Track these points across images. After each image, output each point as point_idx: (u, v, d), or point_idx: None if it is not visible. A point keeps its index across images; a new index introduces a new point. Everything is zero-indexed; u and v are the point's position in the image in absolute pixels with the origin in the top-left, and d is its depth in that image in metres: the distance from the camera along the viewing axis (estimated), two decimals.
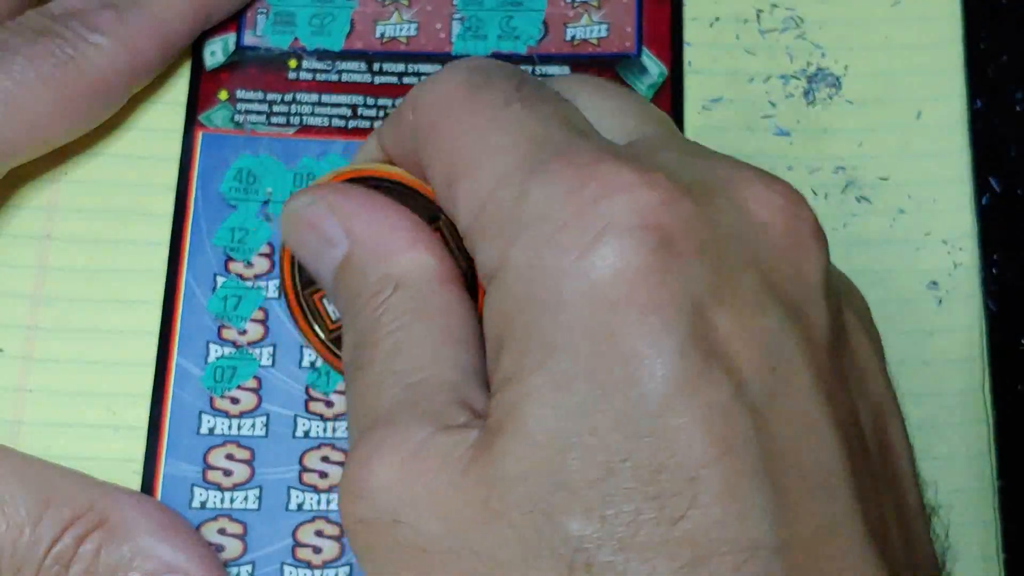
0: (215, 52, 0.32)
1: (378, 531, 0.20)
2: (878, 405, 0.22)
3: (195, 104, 0.32)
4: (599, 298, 0.19)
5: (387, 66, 0.32)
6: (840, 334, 0.21)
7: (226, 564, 0.28)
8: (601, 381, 0.19)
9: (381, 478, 0.20)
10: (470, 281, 0.24)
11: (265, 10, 0.33)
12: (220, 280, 0.30)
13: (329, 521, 0.28)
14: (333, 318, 0.27)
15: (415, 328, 0.22)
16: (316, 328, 0.27)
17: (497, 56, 0.32)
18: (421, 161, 0.23)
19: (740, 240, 0.20)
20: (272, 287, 0.30)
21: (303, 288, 0.27)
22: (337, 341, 0.27)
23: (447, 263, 0.23)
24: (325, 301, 0.27)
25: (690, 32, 0.32)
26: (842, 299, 0.22)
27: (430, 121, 0.23)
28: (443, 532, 0.19)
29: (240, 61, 0.32)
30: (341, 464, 0.29)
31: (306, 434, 0.29)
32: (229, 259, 0.30)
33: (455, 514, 0.19)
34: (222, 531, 0.28)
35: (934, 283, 0.30)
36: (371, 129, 0.31)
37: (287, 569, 0.28)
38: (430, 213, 0.24)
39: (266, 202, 0.31)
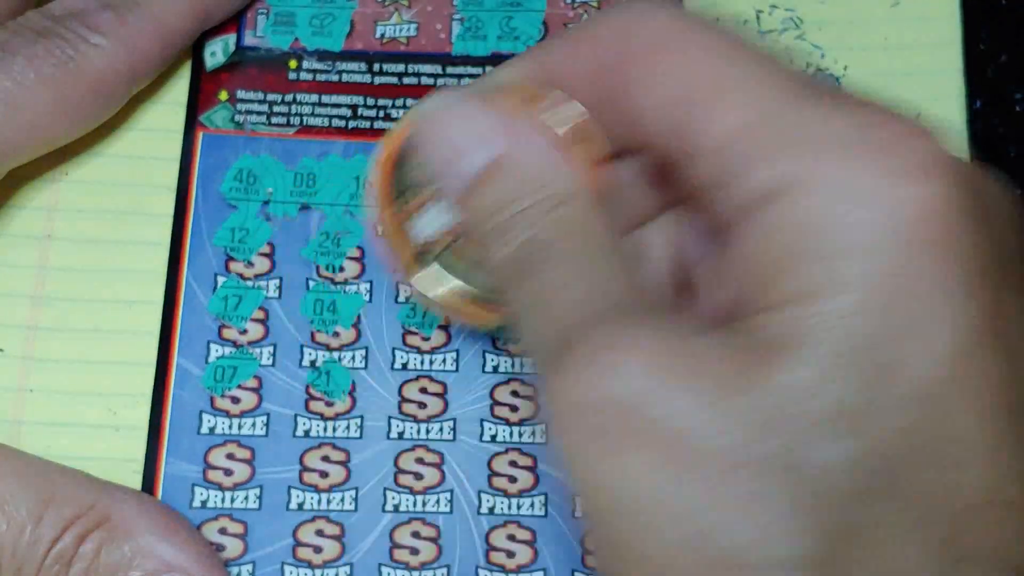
0: (215, 52, 0.32)
1: (624, 413, 0.19)
2: None
3: (195, 104, 0.32)
4: (909, 232, 0.19)
5: (387, 66, 0.32)
6: None
7: (227, 563, 0.28)
8: (897, 316, 0.18)
9: (633, 362, 0.19)
10: None
11: (265, 10, 0.33)
12: (220, 280, 0.30)
13: (329, 520, 0.29)
14: (416, 242, 0.26)
15: (594, 241, 0.22)
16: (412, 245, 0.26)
17: (497, 57, 0.32)
18: (633, 85, 0.22)
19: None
20: (272, 286, 0.30)
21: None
22: (421, 256, 0.26)
23: (600, 186, 0.23)
24: (409, 224, 0.26)
25: None
26: None
27: (651, 42, 0.22)
28: (700, 428, 0.19)
29: (240, 61, 0.32)
30: (340, 463, 0.29)
31: (306, 433, 0.29)
32: (229, 259, 0.30)
33: (717, 414, 0.19)
34: (223, 531, 0.28)
35: None
36: (371, 129, 0.31)
37: (287, 568, 0.28)
38: None
39: (266, 202, 0.31)
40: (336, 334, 0.30)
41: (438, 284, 0.26)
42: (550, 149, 0.23)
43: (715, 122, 0.21)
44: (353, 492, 0.29)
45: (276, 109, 0.32)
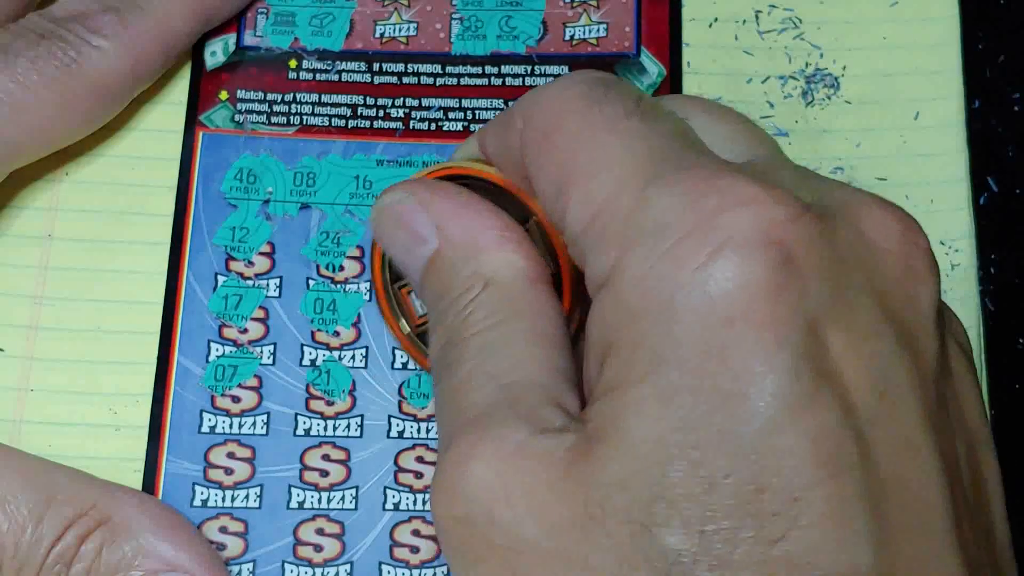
0: (215, 52, 0.32)
1: (472, 530, 0.20)
2: (974, 435, 0.21)
3: (196, 104, 0.32)
4: (714, 312, 0.19)
5: (387, 66, 0.32)
6: (945, 364, 0.21)
7: (227, 562, 0.28)
8: (709, 396, 0.18)
9: (478, 477, 0.20)
10: (557, 285, 0.24)
11: (265, 10, 0.33)
12: (221, 279, 0.30)
13: (330, 519, 0.29)
14: (419, 313, 0.27)
15: (506, 327, 0.22)
16: (402, 322, 0.27)
17: (496, 56, 0.32)
18: (529, 166, 0.23)
19: (857, 263, 0.20)
20: (272, 286, 0.30)
21: (392, 283, 0.27)
22: (423, 336, 0.27)
23: (537, 264, 0.23)
24: (412, 296, 0.27)
25: (689, 33, 0.32)
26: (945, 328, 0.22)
27: (543, 128, 0.22)
28: (538, 534, 0.19)
29: (240, 61, 0.32)
30: (340, 462, 0.29)
31: (306, 432, 0.29)
32: (230, 258, 0.30)
33: (552, 517, 0.19)
34: (223, 529, 0.28)
35: None
36: (371, 128, 0.32)
37: (288, 567, 0.28)
38: (522, 215, 0.24)
39: (266, 201, 0.31)
40: (336, 333, 0.30)
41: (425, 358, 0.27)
42: (481, 236, 0.23)
43: (572, 210, 0.21)
44: (353, 491, 0.29)
45: (276, 108, 0.32)
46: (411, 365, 0.30)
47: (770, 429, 0.18)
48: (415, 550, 0.28)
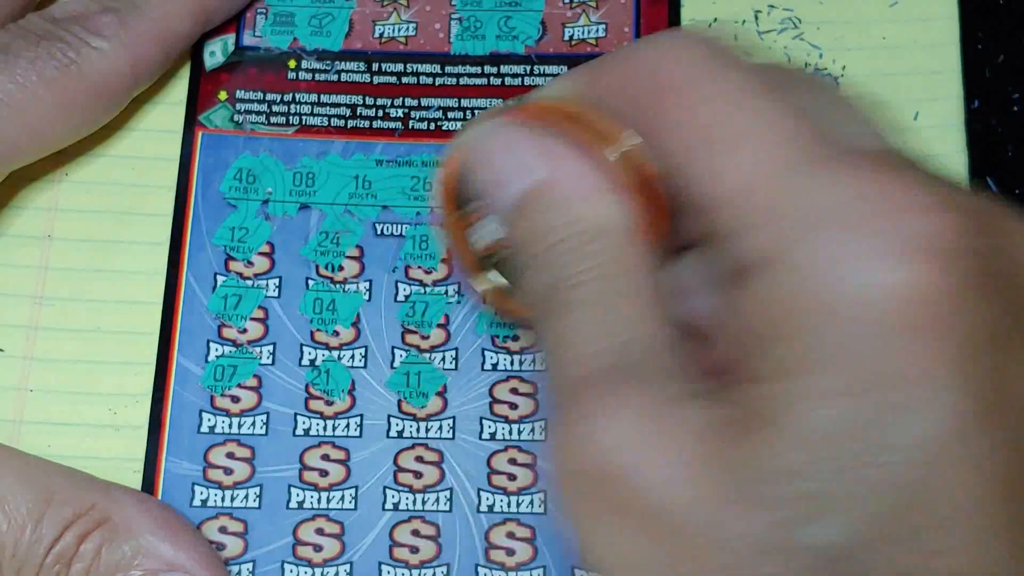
0: (214, 52, 0.32)
1: (604, 486, 0.19)
2: None
3: (195, 104, 0.32)
4: (895, 317, 0.18)
5: (386, 66, 0.32)
6: None
7: (227, 562, 0.28)
8: (882, 400, 0.18)
9: (617, 433, 0.19)
10: None
11: (264, 10, 0.33)
12: (220, 279, 0.30)
13: (329, 519, 0.29)
14: (474, 247, 0.26)
15: (622, 280, 0.21)
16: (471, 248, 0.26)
17: (495, 56, 0.32)
18: (648, 116, 0.22)
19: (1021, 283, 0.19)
20: (271, 285, 0.30)
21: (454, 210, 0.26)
22: (481, 260, 0.26)
23: (643, 218, 0.22)
24: (468, 232, 0.26)
25: None
26: None
27: (676, 77, 0.21)
28: (682, 504, 0.19)
29: (239, 61, 0.32)
30: (340, 462, 0.29)
31: (306, 432, 0.29)
32: (229, 258, 0.30)
33: (699, 490, 0.19)
34: (223, 529, 0.28)
35: None
36: (370, 128, 0.32)
37: (288, 567, 0.28)
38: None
39: (266, 201, 0.31)
40: (336, 333, 0.30)
41: (489, 285, 0.26)
42: (592, 177, 0.22)
43: (723, 176, 0.20)
44: (353, 491, 0.29)
45: (275, 108, 0.32)
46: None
47: (941, 444, 0.18)
48: (415, 550, 0.28)
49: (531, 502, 0.29)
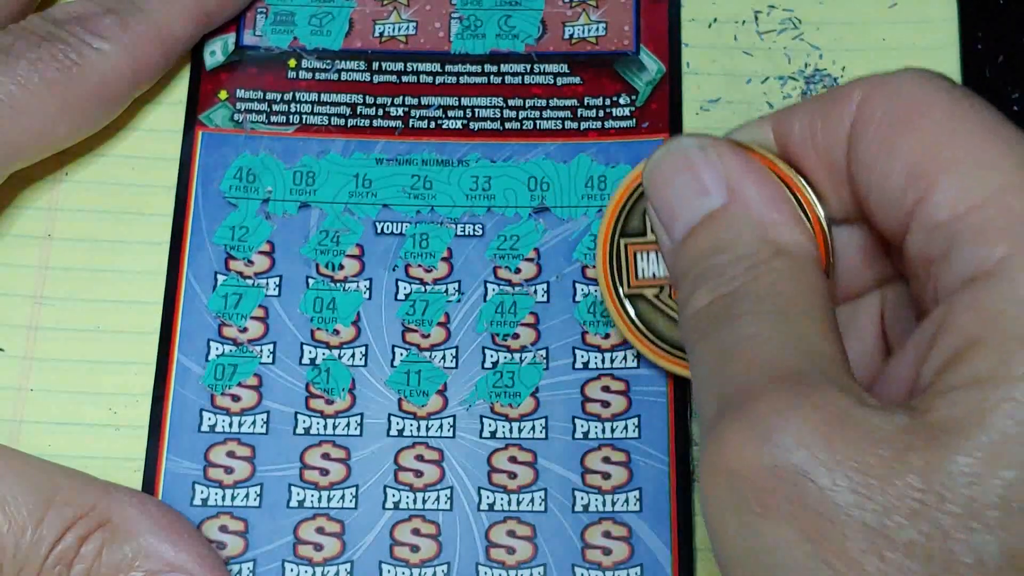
0: (215, 52, 0.32)
1: (779, 483, 0.19)
2: None
3: (195, 104, 0.32)
4: None
5: (386, 65, 0.32)
6: None
7: (227, 561, 0.28)
8: None
9: (798, 432, 0.20)
10: None
11: (264, 10, 0.33)
12: (220, 278, 0.30)
13: (330, 518, 0.29)
14: (639, 275, 0.27)
15: (801, 299, 0.22)
16: (615, 277, 0.28)
17: (495, 55, 0.32)
18: (868, 146, 0.23)
19: None
20: (272, 284, 0.30)
21: (619, 236, 0.27)
22: (634, 299, 0.28)
23: (820, 251, 0.23)
24: (640, 255, 0.27)
25: (688, 33, 0.32)
26: None
27: (901, 112, 0.22)
28: (862, 509, 0.19)
29: (240, 61, 0.32)
30: (340, 461, 0.29)
31: (306, 431, 0.29)
32: (229, 257, 0.30)
33: (883, 496, 0.19)
34: (223, 528, 0.28)
35: None
36: (370, 127, 0.32)
37: (288, 566, 0.28)
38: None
39: (266, 200, 0.31)
40: (336, 332, 0.30)
41: (628, 322, 0.28)
42: (777, 200, 0.24)
43: (938, 201, 0.21)
44: (353, 489, 0.29)
45: (275, 108, 0.32)
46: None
47: None
48: (415, 549, 0.28)
49: (531, 500, 0.29)
